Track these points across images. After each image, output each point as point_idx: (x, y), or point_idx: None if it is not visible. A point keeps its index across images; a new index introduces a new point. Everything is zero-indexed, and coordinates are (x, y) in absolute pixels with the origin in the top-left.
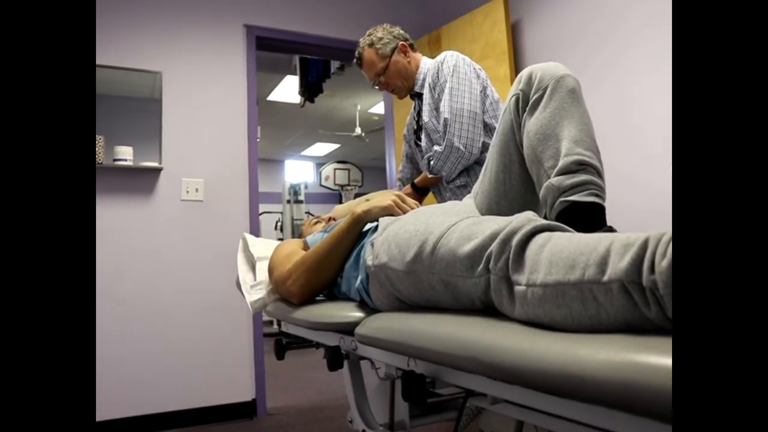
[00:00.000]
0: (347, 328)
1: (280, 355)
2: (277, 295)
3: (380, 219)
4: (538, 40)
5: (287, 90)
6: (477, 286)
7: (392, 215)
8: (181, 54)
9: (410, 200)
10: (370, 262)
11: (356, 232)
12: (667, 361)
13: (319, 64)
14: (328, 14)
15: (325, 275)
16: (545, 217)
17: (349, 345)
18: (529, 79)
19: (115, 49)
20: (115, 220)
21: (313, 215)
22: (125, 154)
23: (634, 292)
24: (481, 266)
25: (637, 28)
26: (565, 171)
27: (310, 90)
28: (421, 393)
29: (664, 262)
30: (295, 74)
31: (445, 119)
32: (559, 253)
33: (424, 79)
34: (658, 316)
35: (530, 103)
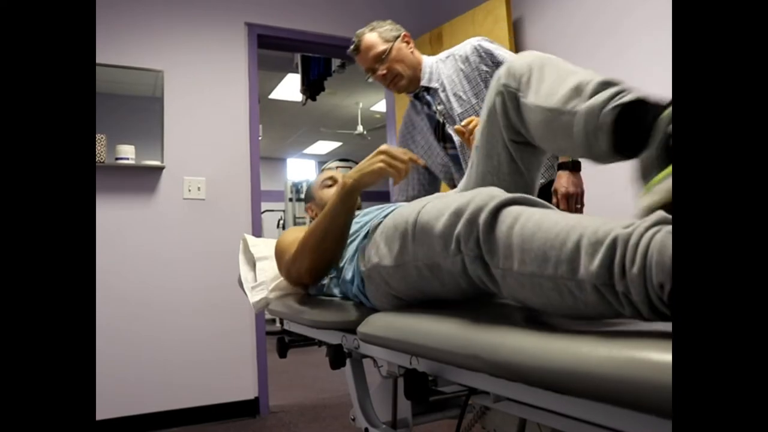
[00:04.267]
0: (350, 327)
1: (282, 354)
2: (278, 293)
3: (369, 223)
4: (539, 38)
5: (289, 88)
6: (455, 266)
7: (386, 177)
8: (182, 52)
9: (397, 151)
10: (363, 267)
11: (351, 204)
12: (667, 357)
13: (321, 62)
14: (330, 12)
15: (330, 254)
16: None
17: (352, 343)
18: (509, 74)
19: (117, 48)
20: (117, 219)
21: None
22: (127, 153)
23: (607, 293)
24: (453, 246)
25: (639, 27)
26: (595, 92)
27: (311, 88)
28: (424, 391)
29: (634, 270)
30: (297, 72)
31: None
32: (529, 241)
33: (431, 73)
34: (632, 313)
35: (521, 86)
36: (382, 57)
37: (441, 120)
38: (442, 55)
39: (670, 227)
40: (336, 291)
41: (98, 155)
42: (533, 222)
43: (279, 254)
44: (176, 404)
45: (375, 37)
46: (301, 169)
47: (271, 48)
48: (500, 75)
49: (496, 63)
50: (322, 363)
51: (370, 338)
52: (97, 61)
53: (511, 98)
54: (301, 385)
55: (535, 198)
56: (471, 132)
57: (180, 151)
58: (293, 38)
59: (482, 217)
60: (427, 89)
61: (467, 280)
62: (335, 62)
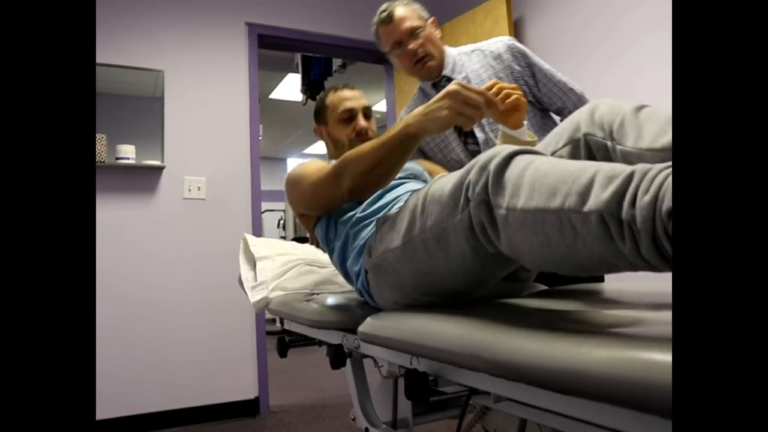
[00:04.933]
0: (350, 327)
1: (282, 353)
2: (278, 292)
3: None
4: (539, 38)
5: (289, 88)
6: (462, 224)
7: (456, 125)
8: (182, 52)
9: (470, 92)
10: (368, 258)
11: (410, 148)
12: (667, 357)
13: (321, 62)
14: (330, 12)
15: (377, 180)
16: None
17: (352, 343)
18: (591, 122)
19: (117, 48)
20: (117, 219)
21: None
22: (127, 153)
23: (611, 224)
24: (462, 199)
25: (638, 26)
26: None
27: (312, 88)
28: (424, 391)
29: (646, 198)
30: (297, 72)
31: (571, 89)
32: (542, 179)
33: (454, 64)
34: (631, 251)
35: (614, 133)
36: (416, 32)
37: None
38: (465, 48)
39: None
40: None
41: (98, 155)
42: (548, 163)
43: (297, 180)
44: (176, 404)
45: (409, 11)
46: None
47: (272, 48)
48: (577, 124)
49: (529, 65)
50: (322, 363)
51: (370, 338)
52: (98, 60)
53: (599, 148)
54: (302, 385)
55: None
56: (502, 97)
57: (180, 150)
58: (294, 38)
59: (494, 162)
60: (449, 80)
61: (471, 243)
62: (336, 62)
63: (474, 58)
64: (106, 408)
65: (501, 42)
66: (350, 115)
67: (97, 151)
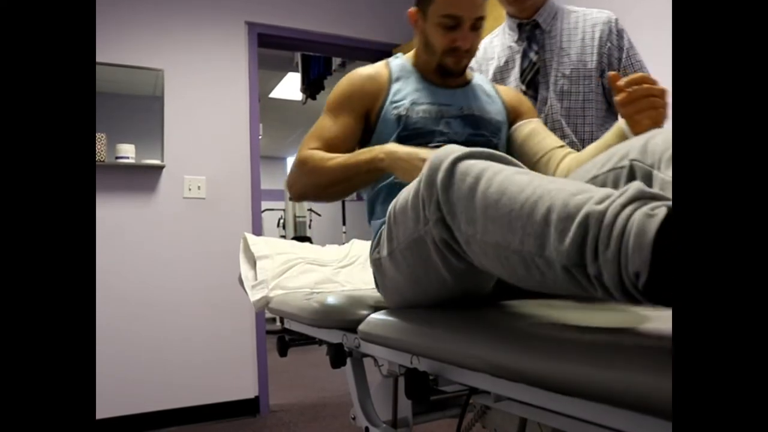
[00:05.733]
0: (350, 326)
1: (282, 353)
2: (278, 291)
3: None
4: None
5: (289, 87)
6: (429, 237)
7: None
8: (182, 51)
9: None
10: (373, 251)
11: (372, 178)
12: (667, 358)
13: (321, 61)
14: (330, 11)
15: (326, 198)
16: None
17: (352, 342)
18: (643, 151)
19: (117, 47)
20: (117, 218)
21: (316, 212)
22: (127, 152)
23: (578, 274)
24: (421, 213)
25: (638, 26)
26: None
27: (311, 87)
28: (424, 390)
29: (608, 254)
30: (297, 71)
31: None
32: (494, 206)
33: (548, 15)
34: (605, 296)
35: (661, 163)
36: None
37: (537, 63)
38: (570, 6)
39: (649, 205)
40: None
41: (98, 154)
42: (497, 185)
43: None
44: (176, 403)
45: None
46: None
47: (272, 47)
48: (628, 151)
49: (619, 46)
50: (322, 362)
51: (370, 337)
52: (98, 60)
53: (643, 175)
54: (302, 384)
55: (493, 151)
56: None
57: (180, 150)
58: (294, 37)
59: (439, 178)
60: (537, 27)
61: (441, 257)
62: (335, 61)
63: (571, 18)
64: (106, 407)
65: (603, 14)
66: (455, 23)
67: (97, 150)
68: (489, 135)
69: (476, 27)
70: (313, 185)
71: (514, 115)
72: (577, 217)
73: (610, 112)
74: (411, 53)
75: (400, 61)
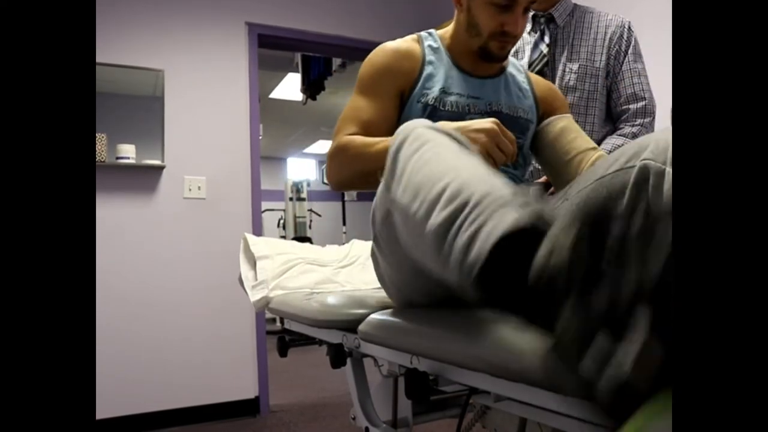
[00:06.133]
0: (350, 326)
1: (282, 353)
2: (278, 292)
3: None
4: None
5: (289, 88)
6: (387, 204)
7: None
8: (182, 52)
9: (508, 137)
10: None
11: None
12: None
13: (321, 62)
14: (330, 12)
15: (364, 187)
16: None
17: (352, 342)
18: (658, 150)
19: (117, 48)
20: (117, 219)
21: (316, 212)
22: (127, 153)
23: (439, 246)
24: (383, 180)
25: (638, 26)
26: None
27: (312, 87)
28: (424, 390)
29: (464, 237)
30: (297, 72)
31: (644, 104)
32: (415, 173)
33: (564, 11)
34: (452, 280)
35: (668, 161)
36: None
37: (547, 55)
38: (588, 5)
39: (528, 209)
40: None
41: (98, 154)
42: (430, 154)
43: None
44: (176, 403)
45: None
46: (301, 169)
47: (272, 48)
48: (642, 148)
49: (626, 51)
50: (322, 362)
51: (370, 337)
52: (98, 60)
53: (656, 172)
54: (302, 384)
55: (456, 134)
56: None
57: (180, 150)
58: (294, 38)
59: (397, 140)
60: (551, 20)
61: (387, 242)
62: (336, 62)
63: (586, 18)
64: (106, 407)
65: (619, 17)
66: (509, 3)
67: (97, 150)
68: (515, 135)
69: (527, 10)
70: (359, 173)
71: (545, 110)
72: (463, 194)
73: (609, 115)
74: (443, 32)
75: (432, 40)
